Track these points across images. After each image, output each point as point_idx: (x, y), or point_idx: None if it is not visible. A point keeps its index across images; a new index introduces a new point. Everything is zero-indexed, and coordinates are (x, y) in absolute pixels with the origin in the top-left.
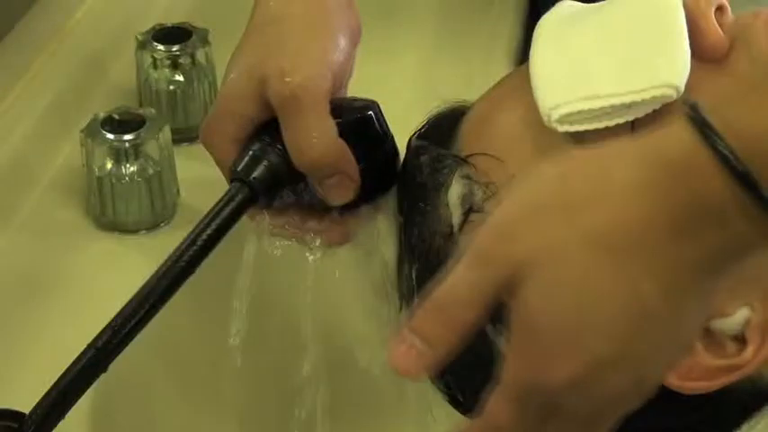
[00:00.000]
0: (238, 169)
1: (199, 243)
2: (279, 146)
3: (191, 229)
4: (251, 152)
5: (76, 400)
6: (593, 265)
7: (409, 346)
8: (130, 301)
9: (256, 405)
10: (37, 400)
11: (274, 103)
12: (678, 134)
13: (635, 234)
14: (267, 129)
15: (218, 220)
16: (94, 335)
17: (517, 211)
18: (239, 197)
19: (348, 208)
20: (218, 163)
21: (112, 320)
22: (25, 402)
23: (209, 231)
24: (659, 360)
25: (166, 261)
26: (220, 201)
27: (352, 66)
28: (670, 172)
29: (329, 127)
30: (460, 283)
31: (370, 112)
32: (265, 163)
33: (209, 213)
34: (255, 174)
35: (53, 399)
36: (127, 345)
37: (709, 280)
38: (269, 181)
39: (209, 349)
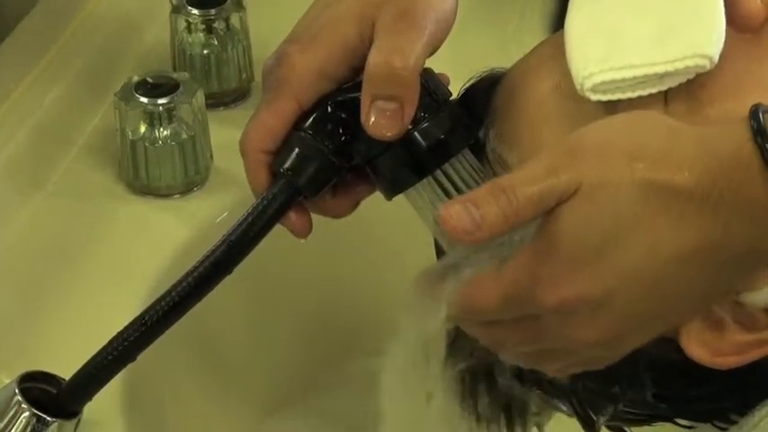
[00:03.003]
0: (286, 167)
1: (242, 241)
2: (326, 143)
3: (231, 211)
4: (297, 150)
5: (118, 372)
6: (635, 211)
7: (465, 211)
8: (185, 279)
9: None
10: (68, 363)
11: (387, 15)
12: (736, 130)
13: (681, 198)
14: (307, 121)
15: (263, 219)
16: (126, 298)
17: (590, 140)
18: (284, 196)
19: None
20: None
21: (163, 295)
22: (57, 366)
23: (254, 229)
24: (645, 333)
25: (211, 253)
26: (264, 198)
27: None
28: (718, 159)
29: (420, 56)
30: (531, 181)
31: (460, 114)
32: (314, 165)
33: (254, 211)
34: (303, 175)
35: (93, 368)
36: (174, 321)
37: (732, 268)
38: (318, 183)
39: (242, 332)
